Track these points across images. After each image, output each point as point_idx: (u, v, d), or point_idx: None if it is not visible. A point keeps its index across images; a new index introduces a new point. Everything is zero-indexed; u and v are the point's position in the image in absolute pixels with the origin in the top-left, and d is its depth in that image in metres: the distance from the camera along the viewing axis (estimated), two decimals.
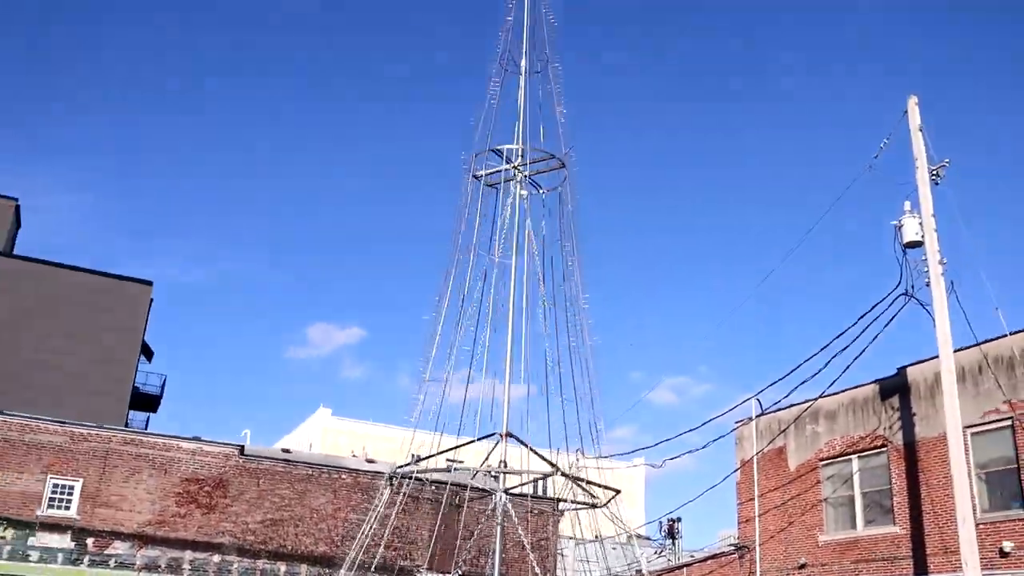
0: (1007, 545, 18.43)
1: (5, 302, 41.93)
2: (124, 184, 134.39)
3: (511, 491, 10.28)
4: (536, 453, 9.46)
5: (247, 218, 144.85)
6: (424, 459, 9.20)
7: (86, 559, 25.00)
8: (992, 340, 19.61)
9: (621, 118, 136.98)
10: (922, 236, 18.68)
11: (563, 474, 9.07)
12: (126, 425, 42.18)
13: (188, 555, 25.94)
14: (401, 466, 9.42)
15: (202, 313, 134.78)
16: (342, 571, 10.54)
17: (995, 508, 19.29)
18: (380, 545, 12.47)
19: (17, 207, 49.92)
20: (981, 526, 18.43)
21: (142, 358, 47.73)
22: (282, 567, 26.77)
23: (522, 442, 9.22)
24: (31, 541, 24.64)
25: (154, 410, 51.65)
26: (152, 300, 47.45)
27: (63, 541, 24.90)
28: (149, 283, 47.18)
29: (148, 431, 36.08)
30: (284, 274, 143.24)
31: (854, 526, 22.58)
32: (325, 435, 60.09)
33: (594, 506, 9.09)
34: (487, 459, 9.94)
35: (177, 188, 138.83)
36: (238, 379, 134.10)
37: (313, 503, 27.71)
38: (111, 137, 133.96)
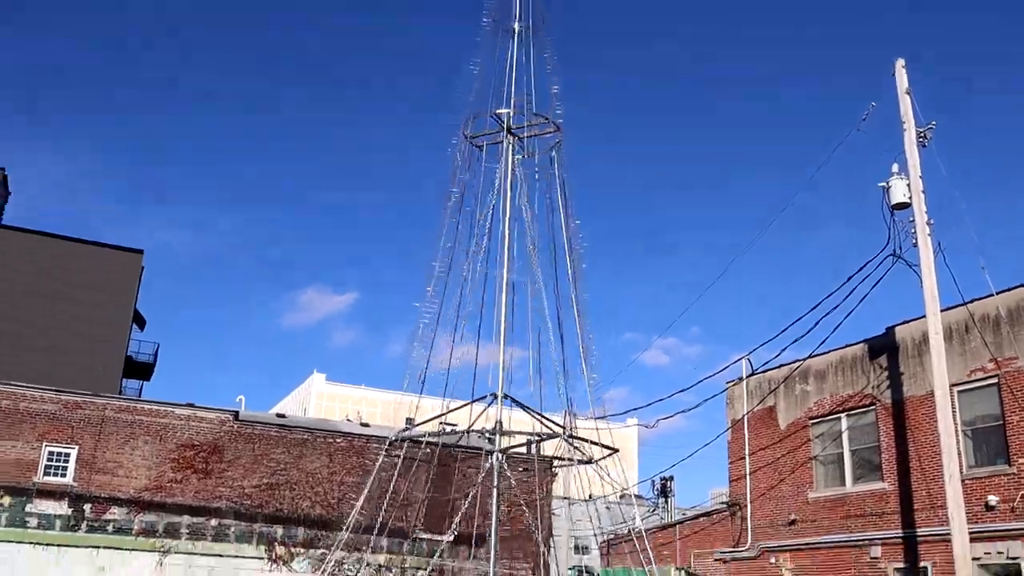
0: (992, 500, 18.78)
1: None
2: (112, 152, 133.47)
3: (507, 451, 10.43)
4: (537, 414, 9.59)
5: (237, 185, 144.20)
6: (423, 423, 9.32)
7: (84, 525, 25.19)
8: (978, 299, 19.83)
9: (607, 74, 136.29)
10: (909, 198, 18.81)
11: (569, 435, 9.20)
12: (120, 393, 42.28)
13: (186, 519, 26.15)
14: (403, 431, 9.54)
15: (194, 281, 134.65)
16: (342, 533, 10.70)
17: (981, 464, 19.61)
18: (382, 508, 12.66)
19: (4, 176, 49.57)
20: (967, 482, 18.74)
21: (134, 326, 47.73)
22: (279, 529, 27.02)
23: (520, 404, 9.36)
24: (29, 508, 24.80)
25: (148, 378, 51.76)
26: (143, 268, 47.35)
27: (60, 507, 25.07)
28: (139, 251, 47.05)
29: (142, 398, 36.21)
30: (276, 240, 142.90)
31: (843, 483, 22.91)
32: (319, 400, 60.38)
33: (590, 461, 9.24)
34: (479, 417, 10.05)
35: (166, 155, 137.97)
36: (231, 346, 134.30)
37: (308, 467, 27.91)
38: (100, 105, 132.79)
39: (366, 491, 10.43)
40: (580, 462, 10.12)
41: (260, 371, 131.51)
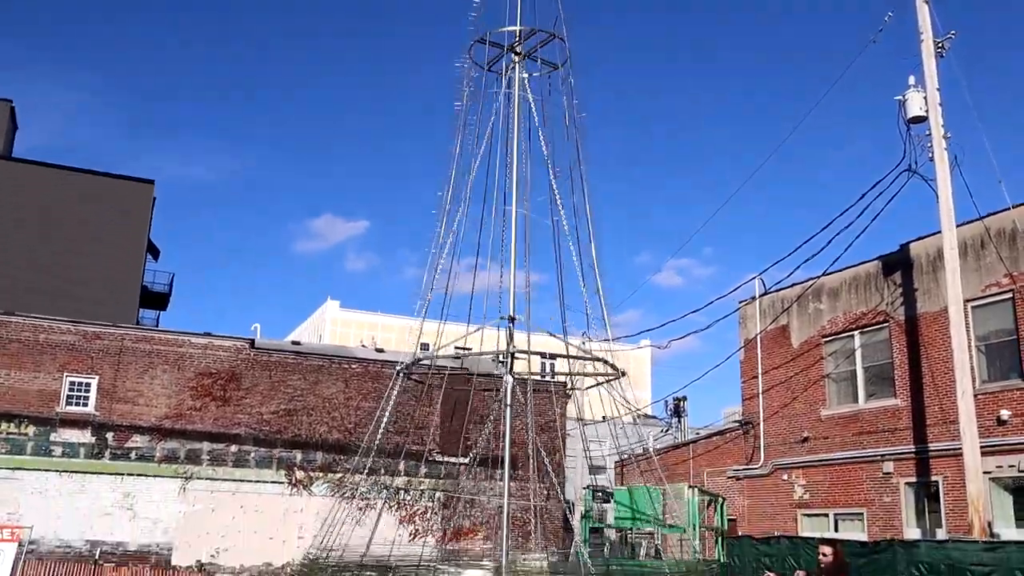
0: (1004, 414, 18.86)
1: (6, 206, 41.85)
2: (121, 82, 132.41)
3: (520, 376, 10.50)
4: (558, 336, 9.63)
5: (248, 112, 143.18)
6: (435, 349, 9.37)
7: (108, 453, 25.67)
8: (994, 214, 19.62)
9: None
10: (926, 111, 18.47)
11: (595, 357, 9.26)
12: (137, 323, 42.68)
13: (206, 446, 26.60)
14: (416, 357, 9.62)
15: (206, 210, 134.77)
16: (358, 457, 10.85)
17: (993, 379, 19.66)
18: (396, 432, 12.85)
19: (12, 109, 49.32)
20: (979, 397, 18.81)
21: (148, 257, 47.94)
22: (298, 454, 27.47)
23: (543, 329, 9.42)
24: (53, 437, 25.26)
25: (164, 308, 52.21)
26: (155, 198, 47.36)
27: (84, 436, 25.53)
28: (151, 182, 46.98)
29: (159, 328, 36.54)
30: (287, 167, 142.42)
31: (856, 400, 23.04)
32: (334, 327, 60.83)
33: (620, 375, 9.30)
34: (485, 339, 10.12)
35: (176, 84, 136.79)
36: (245, 274, 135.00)
37: (325, 393, 28.23)
38: (106, 34, 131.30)
39: (385, 417, 10.53)
40: (606, 381, 10.18)
41: (274, 300, 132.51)
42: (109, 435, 25.77)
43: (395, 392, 10.56)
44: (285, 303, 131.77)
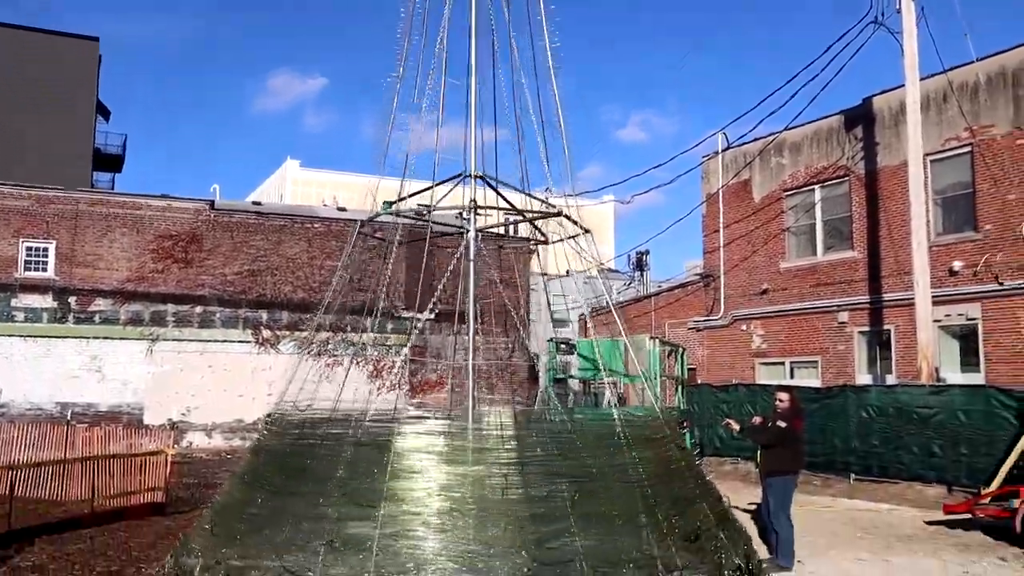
0: (956, 265, 19.36)
1: None
2: None
3: (483, 230, 10.50)
4: (518, 190, 9.58)
5: None
6: (395, 201, 9.28)
7: (71, 316, 25.62)
8: (958, 67, 19.57)
9: None
10: None
11: (558, 213, 9.22)
12: (92, 186, 41.87)
13: (171, 308, 26.61)
14: (376, 214, 9.54)
15: (158, 70, 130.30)
16: (322, 315, 10.89)
17: (948, 231, 20.06)
18: (361, 290, 12.91)
19: None
20: (934, 249, 19.23)
21: (99, 118, 46.56)
22: (264, 314, 27.61)
23: (494, 183, 9.32)
24: (14, 303, 25.11)
25: (118, 169, 51.09)
26: (101, 56, 45.62)
27: (45, 301, 25.40)
28: (95, 39, 45.14)
29: (115, 191, 35.90)
30: (239, 23, 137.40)
31: (814, 252, 23.46)
32: (295, 187, 60.11)
33: (584, 232, 9.33)
34: (446, 195, 10.08)
35: None
36: (202, 135, 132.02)
37: (288, 253, 28.16)
38: None
39: (343, 273, 10.55)
40: (570, 237, 10.20)
41: (234, 161, 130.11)
42: (71, 299, 25.65)
43: (352, 247, 10.53)
44: (244, 164, 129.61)
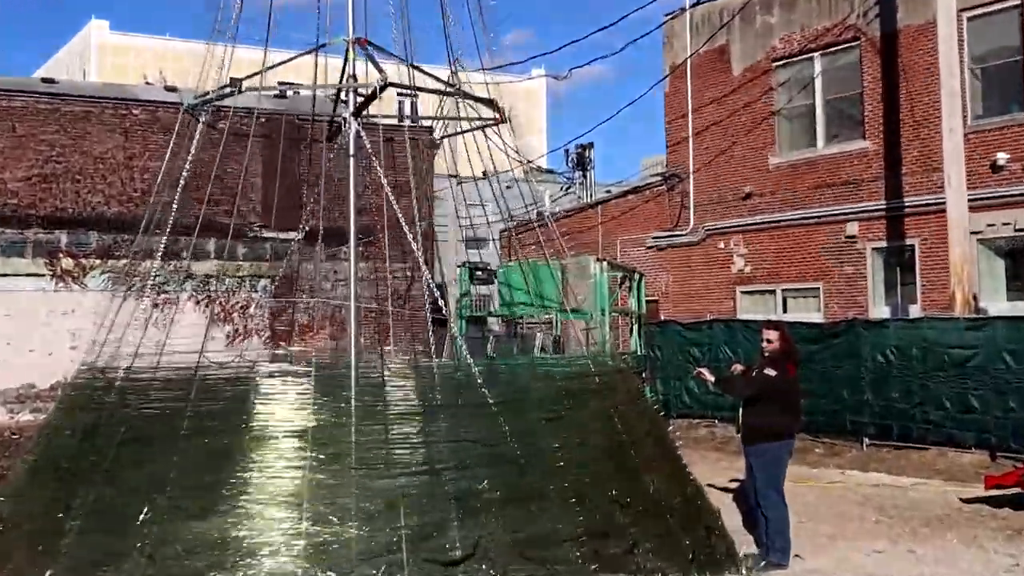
0: (1001, 157, 19.56)
1: None
2: None
3: (368, 118, 10.27)
4: (408, 63, 9.32)
5: None
6: (246, 77, 8.97)
7: None
8: None
9: None
10: None
11: (455, 89, 8.99)
12: None
13: None
14: (213, 96, 9.19)
15: None
16: (141, 234, 10.60)
17: (990, 113, 20.33)
18: (202, 201, 12.53)
19: None
20: (971, 136, 19.49)
21: None
22: (63, 236, 26.82)
23: (382, 50, 9.05)
24: None
25: None
26: None
27: None
28: None
29: None
30: None
31: (813, 143, 23.67)
32: (103, 57, 58.40)
33: (500, 122, 9.07)
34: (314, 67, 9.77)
35: None
36: None
37: (96, 150, 27.31)
38: None
39: (172, 179, 10.21)
40: (483, 127, 10.00)
41: (11, 21, 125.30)
42: None
43: (188, 141, 10.23)
44: (29, 26, 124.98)
